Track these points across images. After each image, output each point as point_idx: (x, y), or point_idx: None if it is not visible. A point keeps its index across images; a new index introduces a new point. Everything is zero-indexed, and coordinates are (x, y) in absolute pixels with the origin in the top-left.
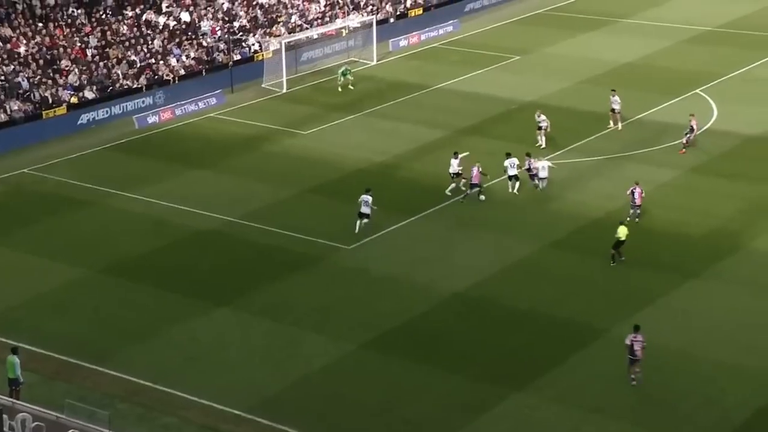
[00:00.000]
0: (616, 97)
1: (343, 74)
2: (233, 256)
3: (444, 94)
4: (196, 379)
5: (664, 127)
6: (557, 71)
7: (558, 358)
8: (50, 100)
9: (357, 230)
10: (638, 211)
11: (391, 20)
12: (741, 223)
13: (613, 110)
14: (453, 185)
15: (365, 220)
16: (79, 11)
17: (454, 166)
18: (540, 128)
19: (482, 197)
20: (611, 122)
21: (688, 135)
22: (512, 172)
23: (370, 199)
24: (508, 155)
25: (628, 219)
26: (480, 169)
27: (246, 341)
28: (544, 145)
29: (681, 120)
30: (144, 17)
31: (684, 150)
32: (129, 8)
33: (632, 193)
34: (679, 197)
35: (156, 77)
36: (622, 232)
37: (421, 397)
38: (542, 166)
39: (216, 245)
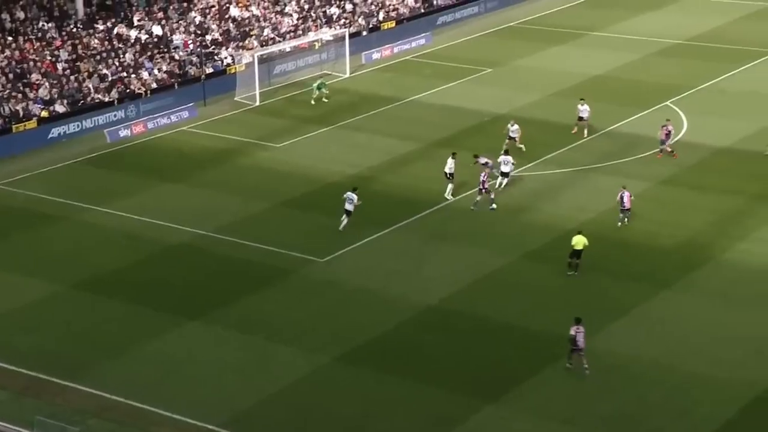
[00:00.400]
0: (585, 106)
1: (318, 88)
2: (206, 269)
3: (417, 106)
4: (169, 394)
5: (634, 139)
6: (528, 84)
7: (532, 370)
8: (20, 114)
9: (341, 227)
10: (628, 215)
11: (364, 33)
12: (711, 234)
13: (580, 118)
14: (451, 186)
15: (349, 219)
16: (50, 25)
17: (450, 166)
18: (511, 138)
19: (494, 206)
20: (575, 128)
21: (665, 141)
22: (505, 169)
23: (354, 197)
24: (506, 152)
25: (619, 224)
26: (486, 176)
27: (219, 355)
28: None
29: (651, 132)
30: (115, 31)
31: (676, 155)
32: (100, 22)
33: (621, 197)
34: (650, 209)
35: (128, 91)
36: (579, 241)
37: (396, 410)
38: (505, 161)
39: (189, 259)
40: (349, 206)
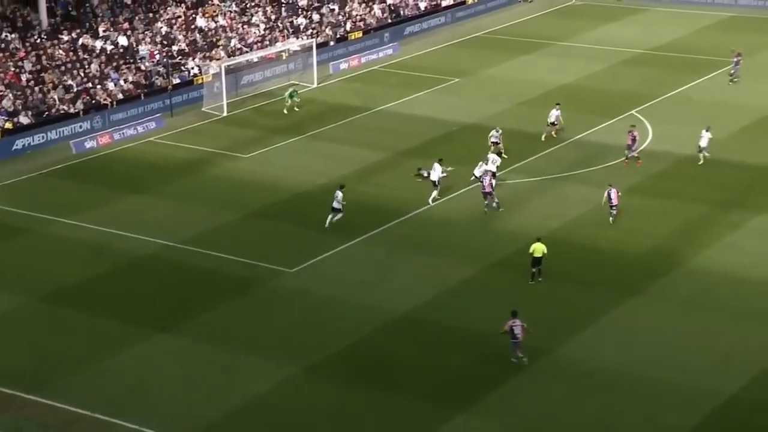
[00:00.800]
0: (558, 111)
1: (291, 96)
2: (174, 281)
3: (385, 116)
4: (136, 408)
5: (601, 147)
6: (496, 93)
7: (501, 379)
8: None
9: (326, 224)
10: (615, 212)
11: (331, 43)
12: (678, 242)
13: (552, 123)
14: (435, 193)
15: (337, 216)
16: (13, 35)
17: (437, 172)
18: (494, 143)
19: (501, 208)
20: (545, 135)
21: (632, 147)
22: (492, 168)
23: (340, 195)
24: (499, 154)
25: (611, 220)
26: (492, 180)
27: (186, 368)
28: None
29: (618, 140)
30: (80, 41)
31: (640, 162)
32: (65, 32)
33: (608, 194)
34: (618, 217)
35: (93, 102)
36: (537, 248)
37: (365, 421)
38: (493, 159)
39: (156, 271)
40: (336, 204)
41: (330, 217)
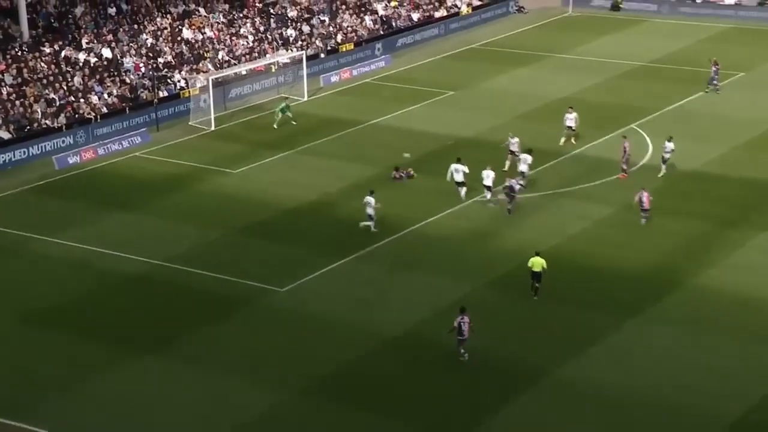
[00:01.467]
0: (573, 114)
1: (282, 111)
2: (160, 301)
3: (377, 130)
4: None
5: (599, 162)
6: (492, 106)
7: (501, 400)
8: None
9: (360, 225)
10: (647, 215)
11: (322, 55)
12: (680, 260)
13: (569, 127)
14: (464, 189)
15: (369, 223)
16: None
17: (463, 170)
18: (511, 152)
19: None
20: (563, 139)
21: (624, 158)
22: (524, 168)
23: (372, 200)
24: (529, 151)
25: (643, 221)
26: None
27: (173, 391)
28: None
29: (615, 155)
30: (63, 54)
31: (625, 175)
32: (47, 44)
33: (640, 198)
34: (618, 234)
35: (77, 116)
36: (536, 263)
37: None
38: (524, 159)
39: (141, 290)
40: (369, 210)
41: (371, 224)
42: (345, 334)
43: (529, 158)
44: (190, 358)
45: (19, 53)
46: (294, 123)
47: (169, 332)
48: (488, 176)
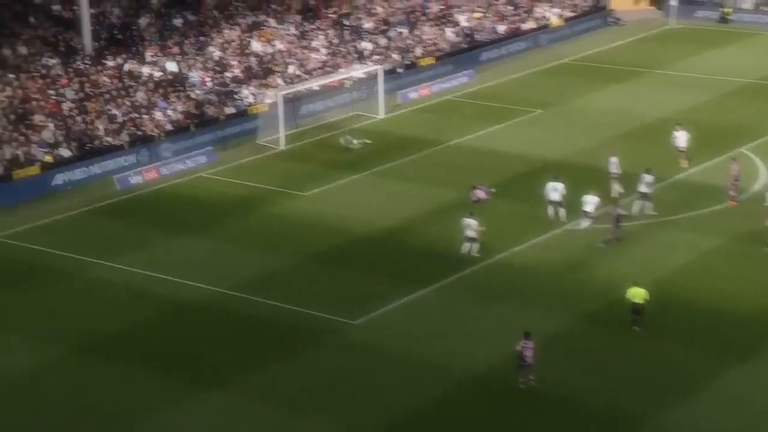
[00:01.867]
0: (681, 132)
1: (346, 147)
2: (223, 332)
3: (459, 151)
4: None
5: (706, 188)
6: (584, 126)
7: None
8: (21, 159)
9: (461, 251)
10: None
11: (400, 70)
12: None
13: (681, 149)
14: (563, 211)
15: (472, 245)
16: (55, 61)
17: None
18: (613, 176)
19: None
20: (681, 160)
21: (733, 184)
22: (645, 189)
23: (473, 222)
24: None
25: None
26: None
27: (236, 429)
28: (617, 193)
29: (723, 181)
30: (126, 67)
31: (735, 202)
32: (110, 58)
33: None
34: (728, 267)
35: (139, 133)
36: (636, 294)
37: None
38: (647, 181)
39: (204, 320)
40: (470, 233)
41: (469, 246)
42: (421, 370)
43: (650, 178)
44: (255, 395)
45: (82, 67)
46: (369, 141)
47: (232, 366)
48: (590, 202)
